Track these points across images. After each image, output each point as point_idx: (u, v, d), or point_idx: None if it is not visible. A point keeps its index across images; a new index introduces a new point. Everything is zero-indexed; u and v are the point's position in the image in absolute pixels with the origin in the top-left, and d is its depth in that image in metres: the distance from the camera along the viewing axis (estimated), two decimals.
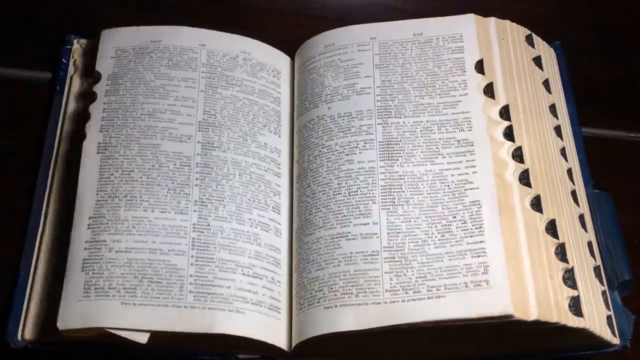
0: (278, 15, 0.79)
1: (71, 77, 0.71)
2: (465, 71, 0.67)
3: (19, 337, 0.60)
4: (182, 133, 0.65)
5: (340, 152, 0.65)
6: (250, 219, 0.63)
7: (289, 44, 0.73)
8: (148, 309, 0.58)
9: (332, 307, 0.60)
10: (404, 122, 0.66)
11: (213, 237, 0.62)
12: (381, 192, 0.63)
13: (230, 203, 0.63)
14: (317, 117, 0.68)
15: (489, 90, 0.67)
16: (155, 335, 0.59)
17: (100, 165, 0.63)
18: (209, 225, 0.62)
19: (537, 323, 0.58)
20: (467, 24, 0.69)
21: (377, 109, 0.67)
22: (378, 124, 0.66)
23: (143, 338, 0.59)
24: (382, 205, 0.63)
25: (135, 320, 0.58)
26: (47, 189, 0.66)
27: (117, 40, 0.69)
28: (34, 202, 0.66)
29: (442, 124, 0.65)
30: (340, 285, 0.60)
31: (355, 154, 0.65)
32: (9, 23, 0.76)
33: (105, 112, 0.65)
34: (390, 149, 0.65)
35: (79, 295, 0.59)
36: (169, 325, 0.58)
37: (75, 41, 0.73)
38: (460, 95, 0.66)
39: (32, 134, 0.71)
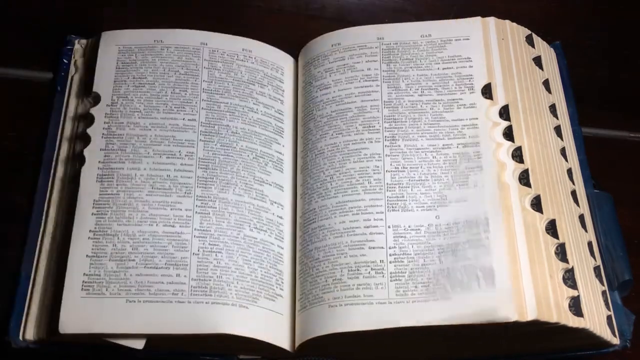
0: (278, 15, 0.79)
1: (72, 78, 0.71)
2: (472, 74, 0.67)
3: (21, 337, 0.60)
4: (184, 138, 0.65)
5: (346, 154, 0.65)
6: (252, 219, 0.63)
7: (289, 44, 0.73)
8: (150, 309, 0.58)
9: (337, 307, 0.60)
10: (410, 122, 0.66)
11: (215, 236, 0.62)
12: (387, 193, 0.63)
13: (233, 204, 0.63)
14: (322, 117, 0.68)
15: (487, 91, 0.67)
16: (155, 337, 0.59)
17: (102, 175, 0.63)
18: (211, 223, 0.62)
19: (536, 323, 0.58)
20: (473, 27, 0.69)
21: (384, 109, 0.67)
22: (384, 122, 0.66)
23: (139, 344, 0.59)
24: (387, 206, 0.63)
25: (137, 321, 0.58)
26: (48, 189, 0.66)
27: (118, 41, 0.69)
28: (34, 203, 0.66)
29: (447, 125, 0.65)
30: (345, 285, 0.60)
31: (361, 155, 0.65)
32: (9, 23, 0.76)
33: (106, 124, 0.65)
34: (395, 148, 0.65)
35: (80, 296, 0.59)
36: (171, 326, 0.58)
37: (76, 41, 0.73)
38: (466, 97, 0.66)
39: (32, 134, 0.71)
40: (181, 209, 0.62)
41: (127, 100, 0.66)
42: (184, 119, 0.66)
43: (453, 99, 0.67)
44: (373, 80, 0.68)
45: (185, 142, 0.65)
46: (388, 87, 0.68)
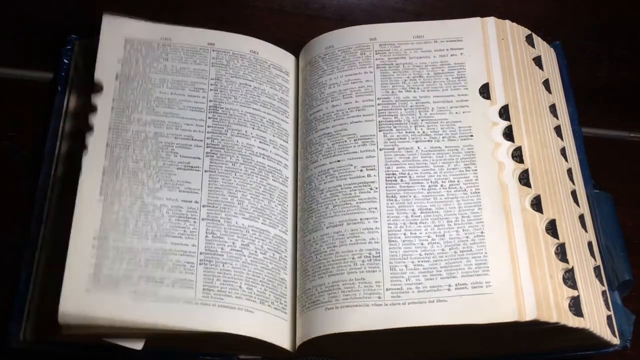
0: (277, 15, 0.79)
1: (72, 78, 0.71)
2: (466, 74, 0.67)
3: (21, 337, 0.60)
4: (191, 134, 0.65)
5: (344, 156, 0.65)
6: (256, 219, 0.63)
7: (289, 44, 0.73)
8: (155, 305, 0.58)
9: (334, 309, 0.60)
10: (404, 122, 0.66)
11: (221, 236, 0.62)
12: (383, 195, 0.63)
13: (238, 204, 0.63)
14: (320, 117, 0.68)
15: (484, 91, 0.67)
16: (155, 336, 0.59)
17: (105, 162, 0.63)
18: (217, 224, 0.62)
19: (536, 323, 0.58)
20: (471, 27, 0.69)
21: (379, 109, 0.67)
22: (378, 124, 0.66)
23: (138, 345, 0.59)
24: (385, 209, 0.63)
25: (140, 316, 0.58)
26: (49, 189, 0.66)
27: (122, 31, 0.68)
28: (35, 202, 0.66)
29: (443, 125, 0.65)
30: (342, 287, 0.60)
31: (357, 157, 0.65)
32: (9, 23, 0.76)
33: (111, 114, 0.65)
34: (390, 151, 0.65)
35: (82, 290, 0.58)
36: (175, 322, 0.58)
37: (76, 41, 0.73)
38: (461, 97, 0.66)
39: (32, 134, 0.71)
40: (188, 206, 0.62)
41: (131, 94, 0.65)
42: (190, 117, 0.66)
43: (450, 100, 0.67)
44: (367, 81, 0.68)
45: (192, 143, 0.65)
46: (383, 88, 0.68)
